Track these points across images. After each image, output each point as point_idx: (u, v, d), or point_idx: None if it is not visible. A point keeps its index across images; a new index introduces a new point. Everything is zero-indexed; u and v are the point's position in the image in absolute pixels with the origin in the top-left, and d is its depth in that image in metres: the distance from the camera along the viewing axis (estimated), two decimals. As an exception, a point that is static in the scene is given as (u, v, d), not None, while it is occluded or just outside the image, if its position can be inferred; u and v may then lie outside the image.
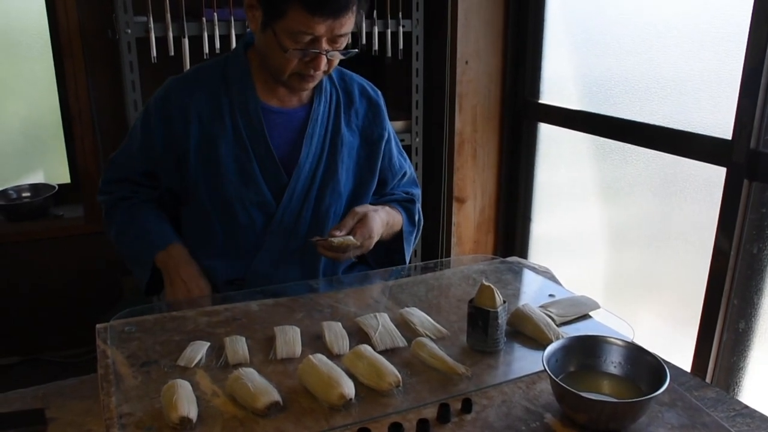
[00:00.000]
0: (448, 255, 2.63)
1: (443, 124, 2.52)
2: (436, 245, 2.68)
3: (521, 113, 2.49)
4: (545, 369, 0.93)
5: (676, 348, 1.92)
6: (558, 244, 2.50)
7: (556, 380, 0.91)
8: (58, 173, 2.65)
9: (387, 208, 1.51)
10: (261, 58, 1.40)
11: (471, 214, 2.63)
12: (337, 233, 1.34)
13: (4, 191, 2.52)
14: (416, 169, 2.55)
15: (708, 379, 1.78)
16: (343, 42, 1.32)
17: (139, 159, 1.45)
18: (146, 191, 1.51)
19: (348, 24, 1.28)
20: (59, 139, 2.59)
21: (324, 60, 1.30)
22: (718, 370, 1.76)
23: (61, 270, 2.59)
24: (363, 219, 1.38)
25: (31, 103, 2.59)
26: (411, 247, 1.59)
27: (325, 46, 1.29)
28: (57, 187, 2.56)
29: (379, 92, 1.59)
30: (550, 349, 0.98)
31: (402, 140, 2.49)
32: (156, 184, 1.49)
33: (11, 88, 2.56)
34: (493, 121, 2.55)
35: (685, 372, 1.17)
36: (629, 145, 2.03)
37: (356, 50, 1.38)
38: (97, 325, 1.19)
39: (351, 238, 1.34)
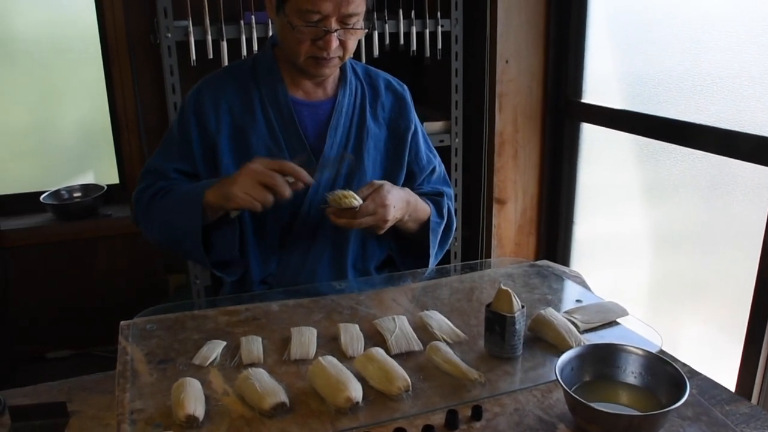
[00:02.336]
0: (489, 257, 2.58)
1: (483, 125, 2.48)
2: (476, 247, 2.64)
3: (564, 113, 2.43)
4: (557, 378, 0.90)
5: (723, 357, 1.83)
6: (601, 247, 2.42)
7: (569, 391, 0.88)
8: (108, 174, 2.74)
9: (412, 192, 1.47)
10: (282, 48, 1.42)
11: (512, 216, 2.58)
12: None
13: (57, 191, 2.62)
14: (455, 170, 2.52)
15: (755, 391, 1.69)
16: (354, 22, 1.32)
17: (177, 158, 1.45)
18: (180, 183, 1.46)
19: (356, 3, 1.29)
20: (109, 142, 2.68)
21: (335, 40, 1.31)
22: (766, 381, 1.66)
23: (109, 267, 2.68)
24: (378, 188, 1.34)
25: (85, 107, 2.68)
26: (438, 238, 1.55)
27: (334, 25, 1.30)
28: (106, 187, 2.65)
29: (405, 86, 1.59)
30: (564, 357, 0.95)
31: (441, 141, 2.47)
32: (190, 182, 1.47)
33: (67, 94, 2.66)
34: (535, 120, 2.49)
35: (718, 384, 1.11)
36: (674, 146, 1.95)
37: (366, 29, 1.37)
38: (121, 323, 1.22)
39: (352, 193, 1.29)
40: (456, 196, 2.54)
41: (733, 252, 1.82)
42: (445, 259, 2.56)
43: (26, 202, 2.62)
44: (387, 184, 1.36)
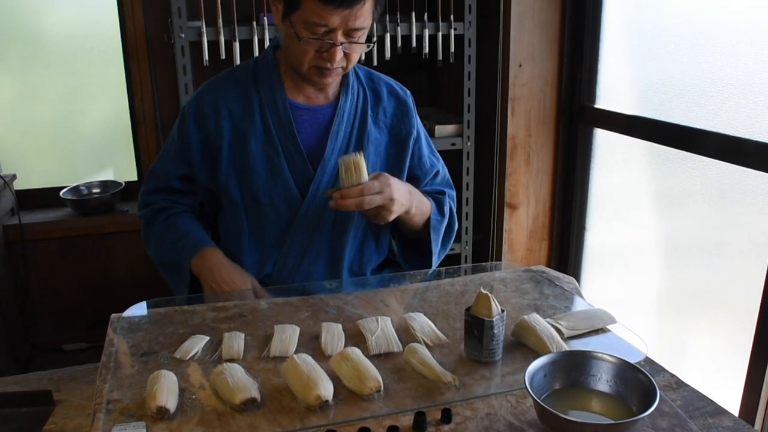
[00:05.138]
0: (499, 262, 2.56)
1: (495, 129, 2.47)
2: (486, 251, 2.62)
3: (577, 118, 2.40)
4: (525, 385, 0.89)
5: (731, 371, 1.78)
6: (613, 254, 2.39)
7: (535, 398, 0.87)
8: (127, 171, 2.81)
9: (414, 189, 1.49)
10: (284, 54, 1.43)
11: (523, 221, 2.56)
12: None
13: (76, 187, 2.68)
14: (467, 173, 2.51)
15: (762, 406, 1.64)
16: (360, 35, 1.32)
17: (176, 162, 1.48)
18: (184, 200, 1.54)
19: (363, 17, 1.28)
20: (129, 139, 2.74)
21: (339, 52, 1.31)
22: (770, 397, 1.62)
23: (125, 262, 2.74)
24: (381, 173, 1.36)
25: (106, 105, 2.75)
26: (440, 237, 1.55)
27: (340, 38, 1.29)
28: (123, 184, 2.71)
29: (408, 91, 1.58)
30: (535, 364, 0.93)
31: (453, 144, 2.47)
32: (194, 190, 1.52)
33: (90, 92, 2.73)
34: (548, 125, 2.47)
35: (704, 396, 1.08)
36: (685, 153, 1.91)
37: (371, 43, 1.37)
38: (112, 315, 1.24)
39: (362, 158, 1.28)
40: (467, 200, 2.53)
41: (742, 262, 1.78)
42: (456, 263, 2.55)
43: (47, 196, 2.70)
44: (387, 174, 1.37)
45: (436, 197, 1.57)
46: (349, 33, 1.30)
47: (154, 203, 1.53)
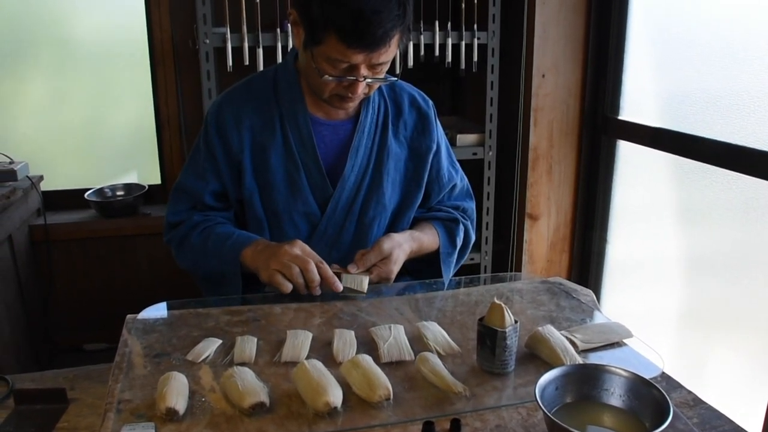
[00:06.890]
0: (519, 273, 2.54)
1: (517, 139, 2.45)
2: (506, 262, 2.60)
3: (600, 129, 2.37)
4: (535, 398, 0.87)
5: (753, 391, 1.74)
6: (634, 268, 2.35)
7: (546, 411, 0.85)
8: (151, 174, 2.84)
9: (419, 233, 1.49)
10: (303, 75, 1.42)
11: (544, 232, 2.53)
12: (353, 270, 1.35)
13: (101, 189, 2.72)
14: (488, 183, 2.49)
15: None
16: (383, 69, 1.31)
17: (207, 177, 1.45)
18: (219, 215, 1.49)
19: (387, 54, 1.26)
20: (153, 143, 2.78)
21: (362, 85, 1.29)
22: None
23: (147, 264, 2.77)
24: (386, 259, 1.37)
25: (132, 109, 2.79)
26: (451, 268, 1.54)
27: (363, 72, 1.27)
28: (147, 187, 2.74)
29: (431, 102, 1.56)
30: (546, 376, 0.92)
31: (474, 154, 2.46)
32: (227, 205, 1.49)
33: (116, 96, 2.78)
34: (571, 136, 2.45)
35: (721, 415, 1.06)
36: (709, 166, 1.88)
37: (395, 78, 1.37)
38: (127, 316, 1.26)
39: (365, 282, 1.35)
40: (488, 209, 2.52)
41: (767, 278, 1.74)
42: (475, 273, 2.54)
43: (72, 198, 2.75)
44: (395, 251, 1.39)
45: (448, 226, 1.55)
46: (372, 66, 1.28)
47: (185, 220, 1.47)
